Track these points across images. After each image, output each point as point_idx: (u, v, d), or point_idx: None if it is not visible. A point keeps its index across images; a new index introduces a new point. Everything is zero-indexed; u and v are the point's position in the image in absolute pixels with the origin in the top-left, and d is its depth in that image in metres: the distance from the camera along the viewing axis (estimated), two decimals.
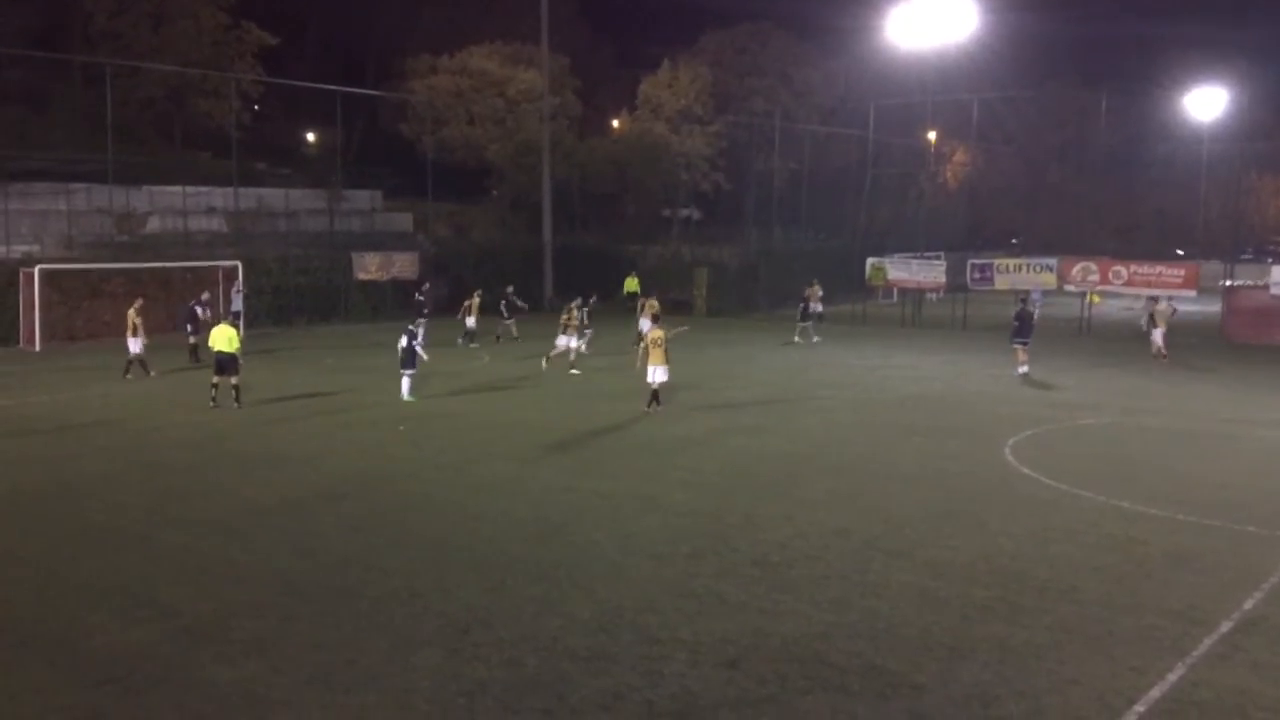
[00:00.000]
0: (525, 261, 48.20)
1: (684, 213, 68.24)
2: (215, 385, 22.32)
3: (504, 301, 35.36)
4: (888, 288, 46.48)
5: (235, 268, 36.87)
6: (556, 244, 50.12)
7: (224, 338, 22.37)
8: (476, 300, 34.13)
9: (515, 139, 56.75)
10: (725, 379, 26.92)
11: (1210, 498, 15.24)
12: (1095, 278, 38.82)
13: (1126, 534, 13.38)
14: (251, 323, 36.22)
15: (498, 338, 34.44)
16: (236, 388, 22.35)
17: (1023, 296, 32.13)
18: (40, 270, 32.68)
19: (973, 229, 71.92)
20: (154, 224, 41.07)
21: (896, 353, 33.41)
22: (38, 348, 32.17)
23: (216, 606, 10.73)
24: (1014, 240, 72.90)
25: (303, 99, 55.54)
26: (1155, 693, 8.86)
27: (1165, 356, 31.13)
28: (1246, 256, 60.78)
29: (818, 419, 21.70)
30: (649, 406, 21.87)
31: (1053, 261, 40.66)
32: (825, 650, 9.66)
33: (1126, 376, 28.29)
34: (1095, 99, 57.65)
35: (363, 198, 49.97)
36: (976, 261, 43.21)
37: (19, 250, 36.04)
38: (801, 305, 36.34)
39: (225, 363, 22.24)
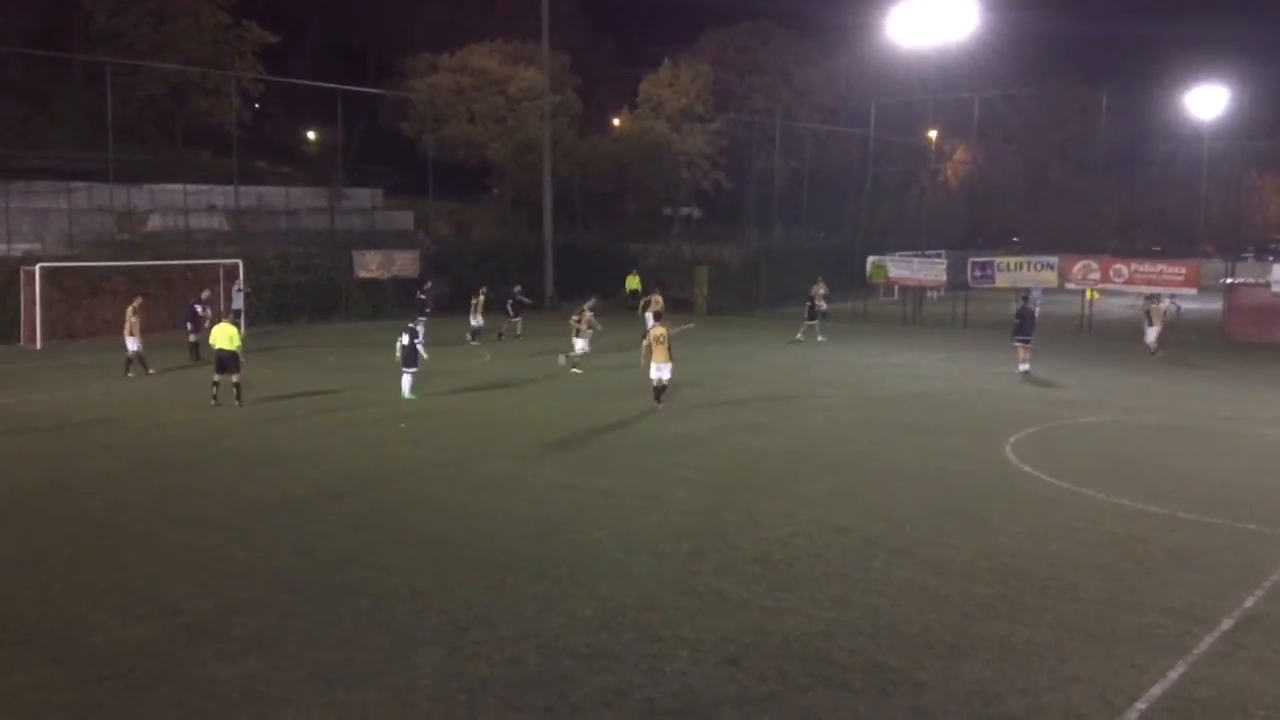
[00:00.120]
0: (526, 260, 48.20)
1: (685, 211, 68.26)
2: (216, 383, 22.32)
3: (511, 300, 35.51)
4: (889, 286, 46.49)
5: (236, 266, 36.87)
6: (557, 242, 50.13)
7: (225, 336, 22.37)
8: (482, 299, 34.15)
9: (516, 137, 56.77)
10: (726, 377, 26.92)
11: (1211, 495, 15.24)
12: (1096, 276, 38.82)
13: (1127, 532, 13.38)
14: (252, 321, 36.25)
15: (500, 335, 34.47)
16: (237, 386, 22.36)
17: (1024, 294, 32.16)
18: (41, 268, 32.69)
19: (974, 227, 71.96)
20: (155, 222, 41.10)
21: (897, 351, 33.40)
22: (38, 346, 32.19)
23: (217, 604, 10.73)
24: (1015, 238, 72.92)
25: (303, 97, 55.57)
26: (1156, 690, 8.86)
27: (1155, 354, 31.27)
28: (1247, 255, 60.78)
29: (819, 417, 21.70)
30: (658, 401, 21.88)
31: (1054, 260, 40.65)
32: (826, 648, 9.66)
33: (1127, 374, 28.28)
34: (1096, 97, 57.64)
35: (363, 196, 50.00)
36: (977, 260, 43.22)
37: (20, 248, 36.08)
38: (809, 304, 36.33)
39: (226, 361, 22.24)
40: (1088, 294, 40.16)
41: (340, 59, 64.85)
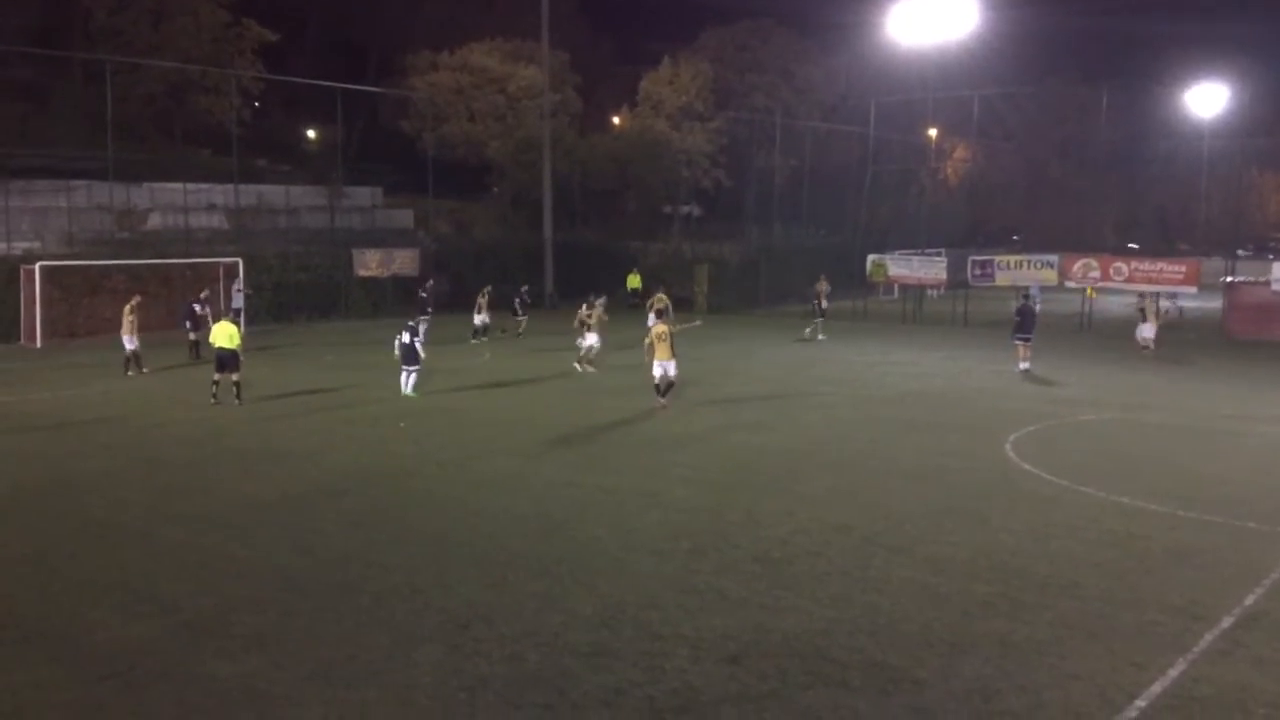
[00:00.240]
0: (526, 258, 48.20)
1: (685, 209, 68.26)
2: (216, 382, 22.32)
3: (518, 300, 35.64)
4: (889, 284, 46.46)
5: (236, 264, 36.88)
6: (557, 241, 50.13)
7: (225, 334, 22.37)
8: (486, 298, 34.16)
9: (516, 135, 56.75)
10: (726, 375, 26.92)
11: (1211, 493, 15.24)
12: (1096, 274, 38.80)
13: (1127, 530, 13.38)
14: (252, 319, 36.26)
15: (503, 330, 34.52)
16: (237, 384, 22.35)
17: (1025, 293, 32.19)
18: (41, 267, 32.69)
19: (973, 225, 71.94)
20: (154, 221, 41.13)
21: (897, 349, 33.41)
22: (38, 344, 32.20)
23: (217, 602, 10.73)
24: (1015, 237, 72.94)
25: (303, 95, 55.55)
26: (1156, 688, 8.86)
27: (1144, 349, 31.51)
28: (1246, 253, 60.78)
29: (819, 415, 21.70)
30: (661, 398, 21.90)
31: (1054, 258, 40.64)
32: (826, 646, 9.67)
33: (1127, 373, 28.28)
34: (1096, 95, 57.61)
35: (363, 194, 50.01)
36: (977, 258, 43.18)
37: (20, 247, 36.09)
38: (815, 302, 36.40)
39: (226, 359, 22.24)
40: (1087, 293, 40.16)
41: (340, 57, 64.81)
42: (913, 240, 52.14)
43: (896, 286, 46.59)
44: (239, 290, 36.61)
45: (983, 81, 57.86)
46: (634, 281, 46.81)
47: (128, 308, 26.72)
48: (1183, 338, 36.43)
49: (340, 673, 9.09)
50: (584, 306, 28.55)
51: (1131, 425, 20.87)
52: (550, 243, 49.54)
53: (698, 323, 25.85)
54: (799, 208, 60.02)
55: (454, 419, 21.12)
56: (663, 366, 21.91)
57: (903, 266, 44.47)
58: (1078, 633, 10.03)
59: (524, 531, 13.24)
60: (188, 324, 29.43)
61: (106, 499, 14.84)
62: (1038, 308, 31.03)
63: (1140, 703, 8.59)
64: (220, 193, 43.37)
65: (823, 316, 36.17)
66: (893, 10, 49.18)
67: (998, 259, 42.78)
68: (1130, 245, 59.64)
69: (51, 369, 27.78)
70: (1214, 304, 40.39)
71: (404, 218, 50.71)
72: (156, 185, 41.84)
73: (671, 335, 21.98)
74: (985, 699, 8.65)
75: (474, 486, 15.63)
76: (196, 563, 12.02)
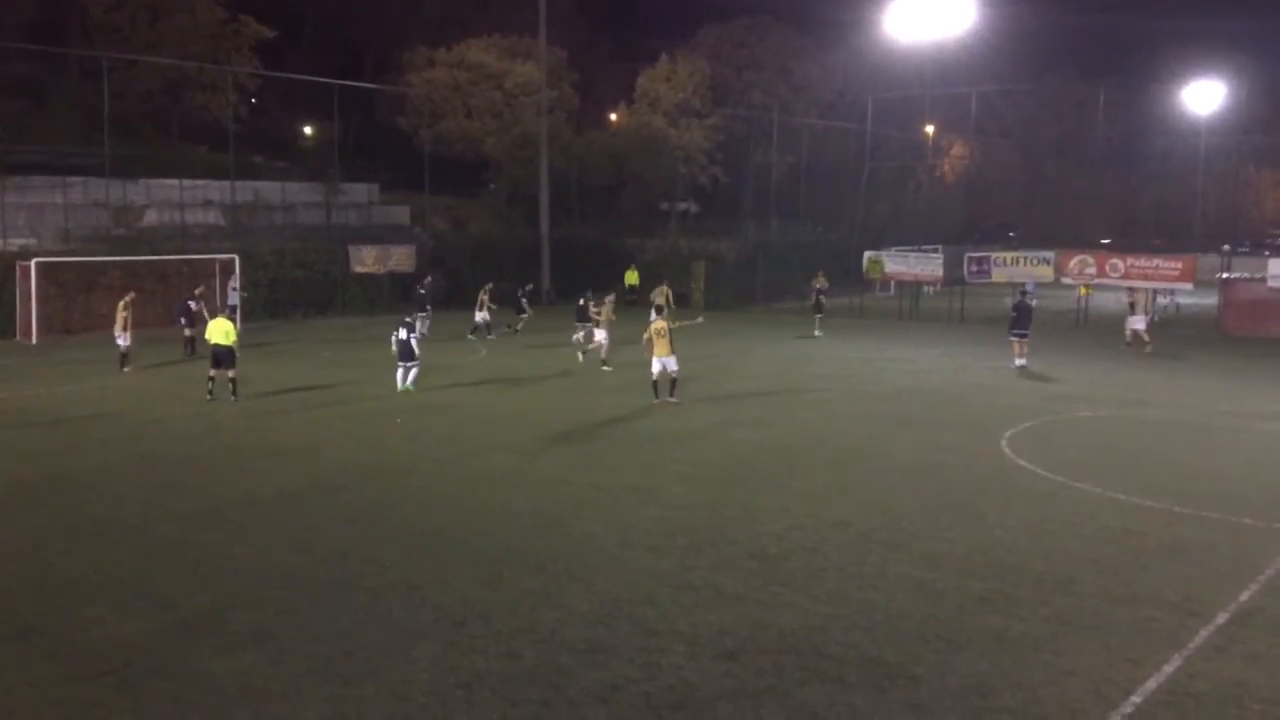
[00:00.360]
0: (523, 255, 48.22)
1: (682, 206, 68.26)
2: (212, 378, 22.31)
3: (524, 297, 35.75)
4: (885, 280, 46.51)
5: (232, 261, 36.84)
6: (554, 237, 50.12)
7: (221, 330, 22.36)
8: (486, 295, 34.15)
9: (513, 132, 56.69)
10: (723, 372, 26.92)
11: (1207, 490, 15.25)
12: (1092, 270, 38.82)
13: (1123, 526, 13.39)
14: (248, 316, 36.25)
15: (508, 326, 34.62)
16: (234, 380, 22.34)
17: (1021, 289, 32.23)
18: (37, 263, 32.68)
19: (970, 222, 71.92)
20: (151, 217, 41.10)
21: (894, 345, 33.42)
22: (34, 340, 32.18)
23: (214, 599, 10.73)
24: (1011, 233, 72.92)
25: (300, 92, 55.58)
26: (1151, 684, 8.87)
27: (1129, 344, 31.69)
28: (1243, 249, 60.81)
29: (815, 412, 21.71)
30: (672, 395, 21.89)
31: (1050, 254, 40.64)
32: (823, 642, 9.67)
33: (1123, 369, 28.30)
34: (1093, 92, 57.73)
35: (360, 191, 50.00)
36: (974, 254, 43.17)
37: (16, 243, 36.05)
38: (816, 298, 36.48)
39: (222, 356, 22.23)
40: (1081, 290, 40.18)
41: (337, 54, 64.83)
42: (909, 237, 52.20)
43: (893, 283, 46.65)
44: (234, 289, 36.58)
45: (980, 78, 57.93)
46: (632, 278, 46.83)
47: (121, 304, 26.69)
48: (1179, 334, 36.48)
49: (337, 669, 9.09)
50: (590, 304, 28.59)
51: (1128, 421, 20.89)
52: (547, 239, 49.53)
53: (700, 320, 25.82)
54: (796, 204, 60.07)
55: (451, 415, 21.11)
56: (662, 362, 21.90)
57: (899, 263, 44.48)
58: (1073, 629, 10.05)
59: (520, 528, 13.24)
60: (183, 320, 29.43)
61: (103, 495, 14.83)
62: (1034, 304, 31.06)
63: (1136, 699, 8.61)
64: (217, 189, 43.34)
65: (821, 313, 36.20)
66: (890, 7, 49.24)
67: (994, 255, 42.77)
68: (1103, 241, 59.65)
69: (47, 365, 27.76)
70: (1210, 300, 40.41)
71: (400, 214, 50.69)
72: (153, 182, 41.81)
73: (671, 331, 21.97)
74: (981, 695, 8.66)
75: (470, 483, 15.63)
76: (193, 559, 12.02)
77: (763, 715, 8.29)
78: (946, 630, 9.96)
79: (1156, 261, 38.36)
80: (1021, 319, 28.22)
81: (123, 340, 26.32)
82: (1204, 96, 59.81)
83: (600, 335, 27.65)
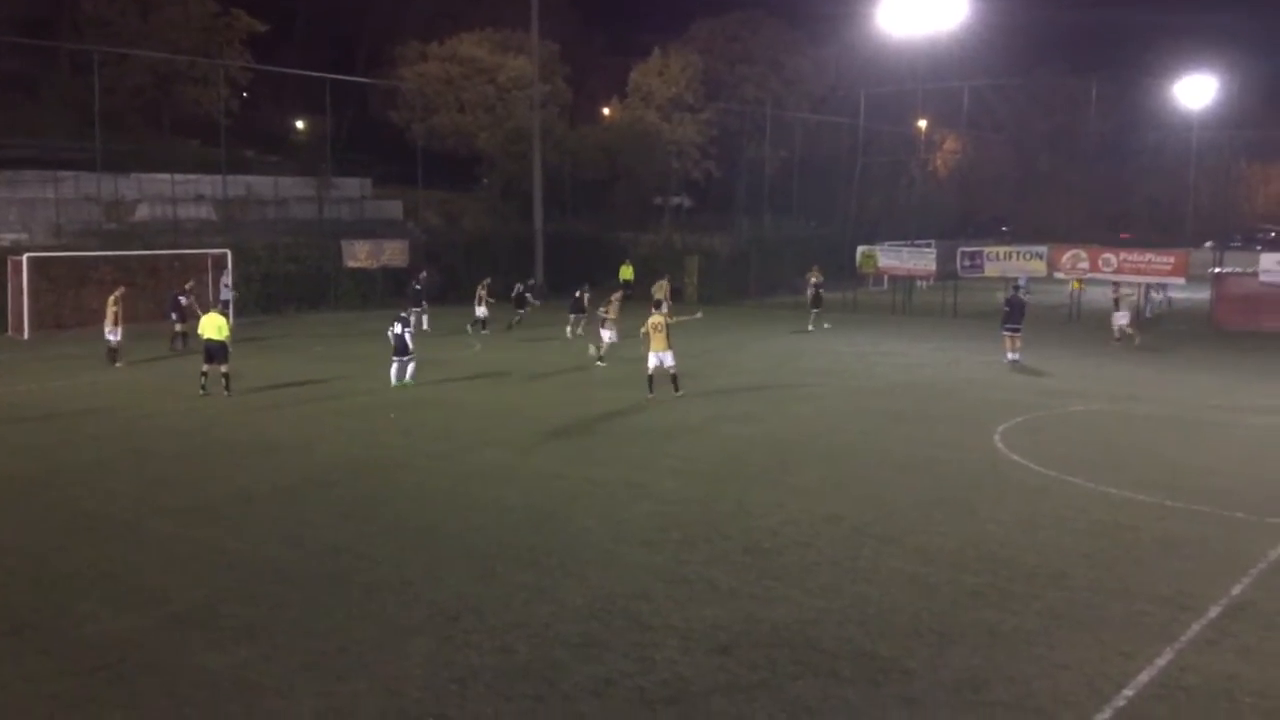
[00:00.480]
0: (516, 249, 48.13)
1: (675, 200, 68.23)
2: (205, 373, 22.26)
3: (528, 292, 35.81)
4: (878, 275, 46.52)
5: (224, 255, 36.75)
6: (547, 232, 50.03)
7: (214, 326, 22.30)
8: (485, 290, 34.12)
9: (505, 126, 56.60)
10: (717, 366, 26.92)
11: (1199, 484, 15.30)
12: (1085, 265, 38.89)
13: (1115, 520, 13.43)
14: (241, 311, 36.18)
15: (511, 323, 34.65)
16: (226, 375, 22.28)
17: (1015, 284, 32.30)
18: (29, 258, 32.58)
19: (963, 217, 72.01)
20: (142, 212, 40.95)
21: (887, 340, 33.46)
22: (26, 336, 32.09)
23: (207, 594, 10.72)
24: (1004, 228, 73.04)
25: (292, 86, 55.42)
26: (1144, 677, 8.90)
27: (1118, 339, 31.83)
28: (1235, 244, 60.95)
29: (809, 406, 21.73)
30: (675, 389, 21.90)
31: (1042, 249, 40.70)
32: (816, 636, 9.69)
33: (1115, 364, 28.37)
34: (1085, 86, 57.68)
35: (352, 185, 49.84)
36: (967, 249, 43.23)
37: (7, 238, 35.93)
38: (814, 291, 36.51)
39: (215, 351, 22.17)
40: (1073, 285, 40.24)
41: (329, 48, 64.61)
42: (902, 231, 52.19)
43: (886, 278, 46.67)
44: (226, 285, 36.50)
45: (972, 73, 57.90)
46: (626, 273, 46.80)
47: (111, 299, 26.60)
48: (1171, 329, 36.57)
49: (331, 664, 9.09)
50: (585, 297, 28.61)
51: (1119, 416, 20.95)
52: (540, 234, 49.46)
53: (698, 315, 25.77)
54: (789, 199, 60.00)
55: (444, 410, 21.10)
56: (658, 357, 21.90)
57: (892, 258, 44.51)
58: (1066, 623, 10.08)
59: (514, 523, 13.25)
60: (173, 315, 29.36)
61: (95, 490, 14.80)
62: (1027, 299, 31.11)
63: (1128, 692, 8.64)
64: (208, 184, 43.19)
65: (818, 308, 36.22)
66: (882, 1, 49.18)
67: (987, 250, 42.85)
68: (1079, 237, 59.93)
69: (39, 360, 27.68)
70: (1202, 295, 40.51)
71: (393, 209, 50.57)
72: (144, 176, 41.65)
73: (668, 326, 21.96)
74: (974, 689, 8.69)
75: (464, 478, 15.62)
76: (186, 554, 12.01)
77: (756, 709, 8.31)
78: (940, 624, 9.99)
79: (1149, 256, 38.45)
80: (1014, 314, 28.24)
81: (113, 336, 26.23)
82: (1196, 91, 59.80)
83: (607, 334, 27.54)
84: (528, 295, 35.98)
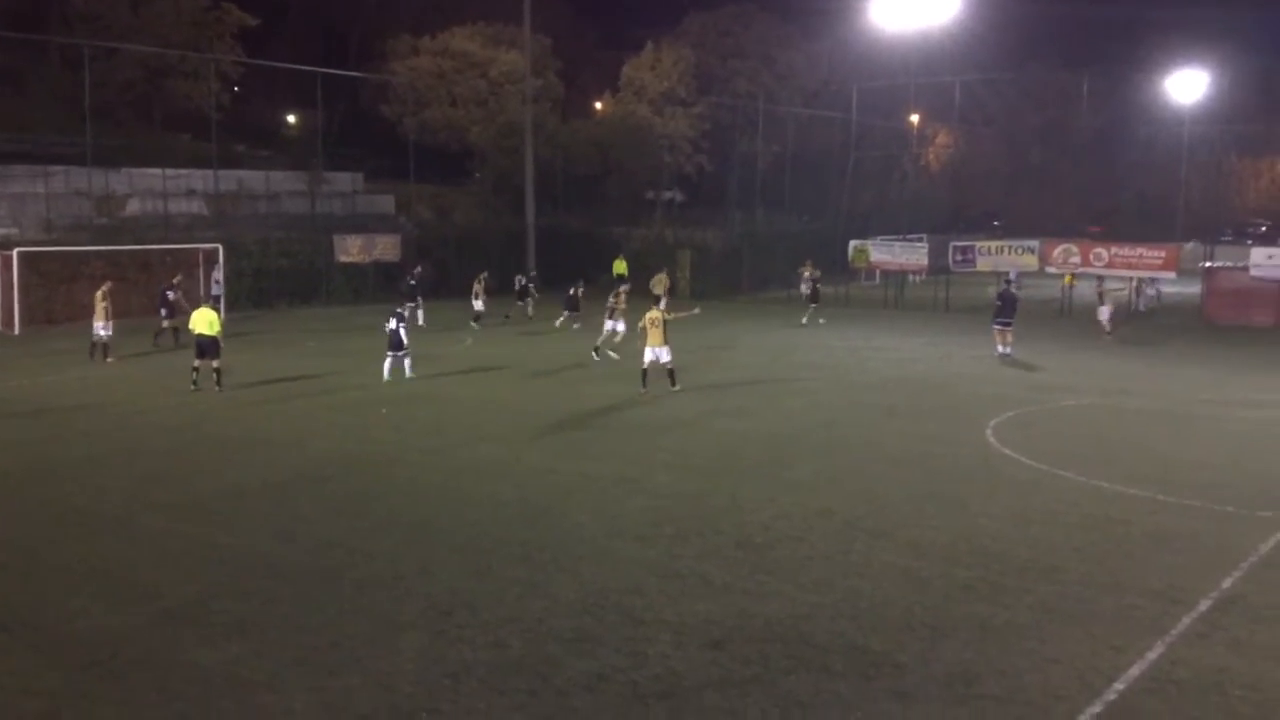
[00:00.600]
0: (508, 243, 48.06)
1: (667, 195, 68.11)
2: (196, 369, 22.21)
3: (531, 285, 35.77)
4: (870, 270, 46.54)
5: (215, 250, 36.66)
6: (539, 226, 49.96)
7: (205, 321, 22.25)
8: (482, 284, 34.07)
9: (497, 121, 56.46)
10: (709, 361, 26.92)
11: (1190, 478, 15.35)
12: (1076, 259, 38.94)
13: (1107, 514, 13.47)
14: (232, 305, 36.07)
15: (526, 316, 34.72)
16: (218, 371, 22.24)
17: (1006, 278, 32.36)
18: (19, 253, 32.44)
19: (955, 211, 72.03)
20: (133, 206, 40.82)
21: (879, 334, 33.49)
22: (16, 331, 31.97)
23: (199, 589, 10.71)
24: (996, 222, 73.07)
25: (283, 80, 55.16)
26: (1135, 671, 8.94)
27: (1110, 334, 32.00)
28: (1226, 238, 61.10)
29: (801, 401, 21.75)
30: (673, 384, 21.90)
31: (1034, 243, 40.75)
32: (809, 630, 9.71)
33: (1107, 358, 28.42)
34: (1076, 81, 57.79)
35: (344, 180, 49.73)
36: (959, 243, 43.27)
37: None
38: (813, 286, 36.49)
39: (206, 346, 22.13)
40: (1065, 279, 40.32)
41: (320, 42, 64.45)
42: (895, 225, 52.23)
43: (878, 272, 46.68)
44: (217, 280, 36.40)
45: (964, 67, 57.90)
46: (620, 267, 46.72)
47: (99, 294, 26.49)
48: (1162, 323, 36.65)
49: (323, 660, 9.08)
50: (580, 293, 28.65)
51: (1111, 410, 20.99)
52: (533, 228, 49.39)
53: (696, 310, 25.71)
54: (781, 193, 60.02)
55: (437, 405, 21.08)
56: (654, 353, 21.89)
57: (885, 252, 44.53)
58: (1057, 616, 10.11)
59: (507, 518, 13.25)
60: (163, 310, 29.27)
61: (86, 486, 14.76)
62: (1019, 293, 31.14)
63: (1119, 685, 8.67)
64: (200, 178, 43.05)
65: (815, 303, 36.23)
66: None
67: (979, 244, 42.90)
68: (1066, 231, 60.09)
69: (30, 355, 27.59)
70: (1193, 289, 40.60)
71: (385, 203, 50.47)
72: (135, 171, 41.51)
73: (665, 321, 21.95)
74: (966, 683, 8.71)
75: (457, 473, 15.62)
76: (178, 550, 11.99)
77: (749, 704, 8.33)
78: (932, 618, 10.01)
79: (1140, 250, 38.49)
80: (1006, 308, 28.29)
81: (104, 331, 26.13)
82: (1187, 85, 59.95)
83: (610, 325, 27.48)
84: (531, 286, 35.98)
